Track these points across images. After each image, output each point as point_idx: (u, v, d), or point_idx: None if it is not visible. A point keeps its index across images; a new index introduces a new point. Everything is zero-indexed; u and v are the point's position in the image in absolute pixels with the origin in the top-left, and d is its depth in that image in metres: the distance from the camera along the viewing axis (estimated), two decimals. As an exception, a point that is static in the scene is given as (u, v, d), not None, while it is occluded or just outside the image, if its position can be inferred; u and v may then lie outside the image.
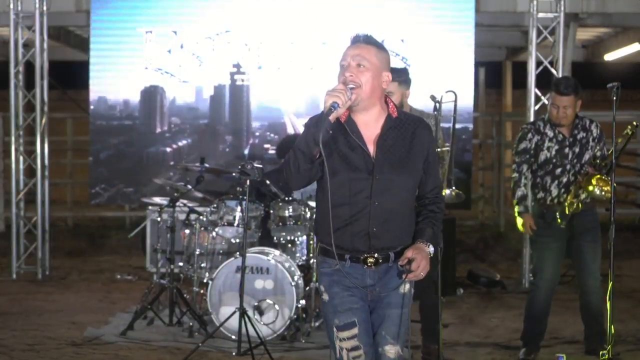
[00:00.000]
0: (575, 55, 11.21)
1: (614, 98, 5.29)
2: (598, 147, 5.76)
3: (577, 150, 5.73)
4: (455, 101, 5.46)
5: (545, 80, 8.74)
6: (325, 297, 3.70)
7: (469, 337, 6.70)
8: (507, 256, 10.33)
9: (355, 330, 3.63)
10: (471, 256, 10.41)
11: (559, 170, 5.73)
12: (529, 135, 5.80)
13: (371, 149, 3.61)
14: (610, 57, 12.26)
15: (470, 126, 9.10)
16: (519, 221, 5.86)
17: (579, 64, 12.59)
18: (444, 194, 5.29)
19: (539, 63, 8.68)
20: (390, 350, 3.67)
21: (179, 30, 9.14)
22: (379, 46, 3.65)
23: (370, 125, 3.64)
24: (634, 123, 5.51)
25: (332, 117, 3.48)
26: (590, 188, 5.58)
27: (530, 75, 8.68)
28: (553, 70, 8.64)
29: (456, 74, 8.78)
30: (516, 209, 5.85)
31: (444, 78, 8.59)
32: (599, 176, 5.56)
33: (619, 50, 11.78)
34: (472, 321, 7.27)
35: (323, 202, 3.62)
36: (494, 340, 6.62)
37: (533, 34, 8.62)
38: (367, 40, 3.64)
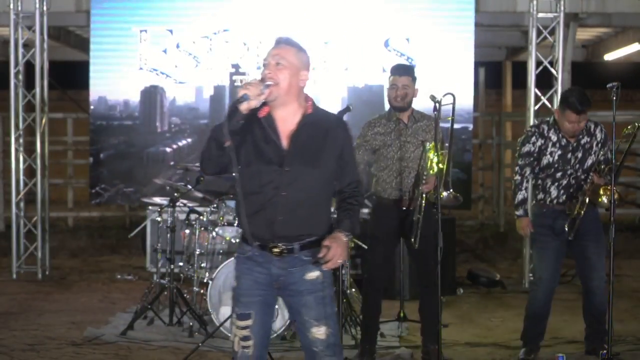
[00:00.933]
0: (575, 55, 11.21)
1: (614, 98, 5.30)
2: (602, 152, 5.74)
3: (579, 155, 5.71)
4: (454, 103, 5.46)
5: (545, 80, 8.75)
6: (234, 283, 3.95)
7: (469, 337, 6.70)
8: (507, 256, 10.33)
9: (249, 322, 3.86)
10: (471, 256, 10.41)
11: (559, 174, 5.73)
12: (533, 138, 5.78)
13: (285, 142, 3.83)
14: (610, 57, 12.27)
15: (470, 126, 9.09)
16: (518, 224, 5.87)
17: (579, 64, 12.60)
18: (442, 196, 5.40)
19: (539, 63, 8.68)
20: (318, 331, 3.85)
21: (174, 29, 9.09)
22: (299, 48, 3.92)
23: (287, 121, 3.86)
24: (636, 124, 5.51)
25: (244, 108, 3.69)
26: (600, 200, 5.60)
27: (530, 75, 8.67)
28: (553, 70, 8.64)
29: (456, 74, 8.78)
30: (516, 212, 5.86)
31: (444, 78, 8.60)
32: (604, 187, 5.57)
33: (618, 50, 11.78)
34: (472, 321, 7.27)
35: (238, 191, 3.85)
36: (494, 340, 6.62)
37: (533, 34, 8.62)
38: (287, 42, 3.92)
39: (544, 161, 5.76)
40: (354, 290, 7.14)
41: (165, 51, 9.09)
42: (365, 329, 6.08)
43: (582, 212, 5.69)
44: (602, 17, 9.79)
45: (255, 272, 3.86)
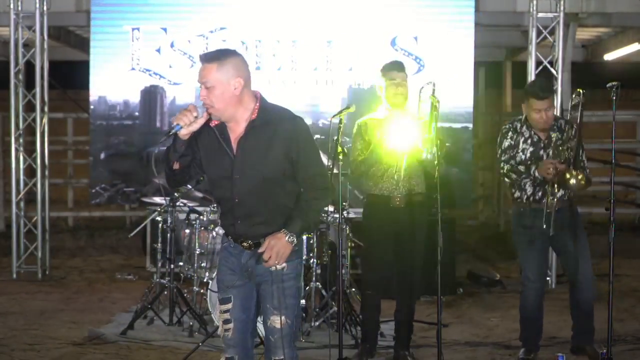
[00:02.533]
0: (575, 55, 11.20)
1: (614, 98, 5.30)
2: (568, 145, 5.69)
3: (550, 152, 5.71)
4: (434, 90, 5.50)
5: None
6: (217, 271, 4.19)
7: (469, 337, 6.70)
8: (507, 256, 10.32)
9: (229, 306, 4.06)
10: (471, 256, 10.41)
11: (533, 169, 5.70)
12: (510, 133, 5.85)
13: (235, 150, 3.93)
14: (610, 57, 12.25)
15: (470, 126, 9.06)
16: (541, 170, 5.63)
17: (579, 63, 12.57)
18: (571, 183, 5.50)
19: (538, 63, 8.69)
20: (275, 319, 4.00)
21: (168, 27, 9.01)
22: (219, 60, 3.85)
23: (236, 129, 3.94)
24: (579, 90, 5.50)
25: (183, 134, 3.86)
26: (569, 182, 5.55)
27: (530, 75, 8.67)
28: (553, 70, 8.64)
29: (456, 74, 8.77)
30: (536, 171, 5.65)
31: (444, 78, 8.58)
32: (570, 170, 5.54)
33: (618, 50, 11.76)
34: (472, 321, 7.28)
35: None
36: (494, 340, 6.62)
37: (533, 34, 8.63)
38: (206, 59, 3.88)
39: (517, 158, 5.78)
40: (353, 289, 7.15)
41: (158, 50, 9.02)
42: (365, 328, 6.08)
43: (556, 200, 5.62)
44: (602, 17, 9.79)
45: (230, 261, 4.08)
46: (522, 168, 5.73)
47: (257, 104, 3.92)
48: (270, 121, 3.91)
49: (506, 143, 5.85)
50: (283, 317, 3.98)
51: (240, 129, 3.92)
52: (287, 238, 3.91)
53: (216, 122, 3.94)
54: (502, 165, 5.86)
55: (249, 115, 3.90)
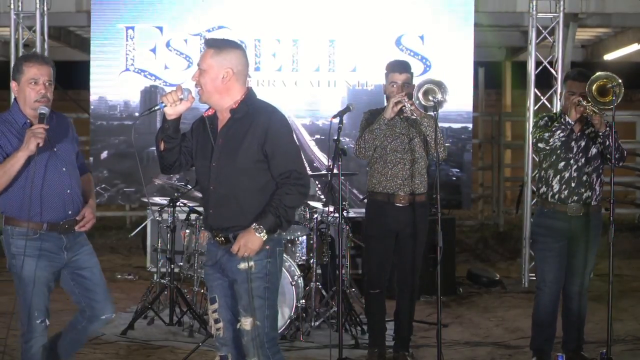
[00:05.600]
0: (574, 56, 11.22)
1: (614, 98, 5.29)
2: (599, 140, 5.54)
3: (582, 144, 5.59)
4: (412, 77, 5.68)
5: (545, 80, 8.76)
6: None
7: (469, 337, 6.71)
8: (507, 256, 10.34)
9: (215, 306, 4.19)
10: (471, 256, 10.41)
11: (562, 165, 5.59)
12: (545, 118, 5.68)
13: (218, 138, 4.07)
14: (609, 57, 12.26)
15: (470, 126, 9.05)
16: (566, 104, 5.52)
17: (579, 64, 12.57)
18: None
19: (538, 63, 8.69)
20: (245, 321, 4.04)
21: (164, 26, 8.97)
22: (218, 47, 4.05)
23: (223, 119, 4.10)
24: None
25: (169, 114, 4.03)
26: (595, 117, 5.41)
27: (530, 75, 8.69)
28: (553, 71, 8.65)
29: (456, 74, 8.75)
30: (567, 116, 5.48)
31: (444, 78, 8.56)
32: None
33: (618, 50, 11.78)
34: (471, 321, 7.28)
35: None
36: (494, 340, 6.62)
37: (533, 34, 8.63)
38: (207, 44, 4.12)
39: (550, 142, 5.51)
40: (353, 290, 7.15)
41: (153, 50, 9.00)
42: (371, 331, 5.97)
43: (580, 204, 5.57)
44: (601, 17, 9.79)
45: (210, 259, 4.19)
46: (546, 135, 5.47)
47: (242, 97, 4.05)
48: (250, 113, 4.04)
49: (541, 122, 5.66)
50: (250, 319, 4.01)
51: (225, 120, 4.08)
52: (256, 232, 3.96)
53: (209, 112, 4.13)
54: (542, 137, 5.53)
55: (232, 106, 4.06)
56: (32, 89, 4.49)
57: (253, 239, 3.96)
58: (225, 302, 4.14)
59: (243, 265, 4.01)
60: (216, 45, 4.06)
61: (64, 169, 4.61)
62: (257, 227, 3.96)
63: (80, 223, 4.62)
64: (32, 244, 4.47)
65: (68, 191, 4.59)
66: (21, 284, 4.57)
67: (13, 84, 4.57)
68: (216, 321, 4.18)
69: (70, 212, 4.60)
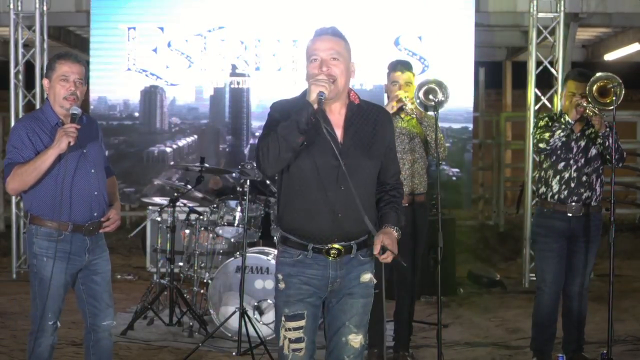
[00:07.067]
0: (575, 55, 11.21)
1: (614, 98, 5.28)
2: (599, 141, 5.55)
3: (582, 144, 5.59)
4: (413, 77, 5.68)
5: (545, 80, 8.75)
6: (282, 285, 3.72)
7: (469, 337, 6.70)
8: (507, 256, 10.34)
9: (302, 323, 3.68)
10: (471, 256, 10.41)
11: (562, 165, 5.58)
12: (546, 119, 5.65)
13: (339, 134, 3.69)
14: (610, 57, 12.26)
15: (470, 126, 9.05)
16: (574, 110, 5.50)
17: (579, 64, 12.57)
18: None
19: (539, 63, 8.69)
20: (355, 339, 3.75)
21: (165, 27, 8.96)
22: (345, 38, 3.76)
23: (335, 112, 3.74)
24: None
25: (315, 105, 3.58)
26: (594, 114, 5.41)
27: (530, 75, 8.68)
28: (553, 70, 8.64)
29: (456, 74, 8.75)
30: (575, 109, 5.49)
31: (443, 78, 8.55)
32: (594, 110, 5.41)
33: (619, 50, 11.77)
34: (472, 321, 7.27)
35: (288, 189, 3.68)
36: (494, 340, 6.62)
37: (533, 34, 8.63)
38: (335, 33, 3.75)
39: (551, 141, 5.53)
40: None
41: (155, 50, 8.99)
42: (371, 332, 5.94)
43: (580, 204, 5.57)
44: (602, 17, 9.79)
45: (307, 274, 3.68)
46: (547, 135, 5.50)
47: (354, 92, 3.79)
48: (370, 111, 3.77)
49: (542, 122, 5.64)
50: (361, 336, 3.76)
51: (340, 114, 3.73)
52: (394, 232, 3.67)
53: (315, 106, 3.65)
54: (543, 137, 5.55)
55: (347, 102, 3.75)
56: (62, 86, 4.47)
57: (395, 242, 3.62)
58: (313, 323, 3.71)
59: (366, 277, 3.72)
60: (343, 37, 3.74)
61: (92, 171, 4.60)
62: (393, 227, 3.66)
63: (106, 223, 4.63)
64: (56, 246, 4.45)
65: (95, 193, 4.59)
66: (39, 284, 4.55)
67: (45, 81, 4.56)
68: (298, 340, 3.68)
69: (95, 214, 4.61)
